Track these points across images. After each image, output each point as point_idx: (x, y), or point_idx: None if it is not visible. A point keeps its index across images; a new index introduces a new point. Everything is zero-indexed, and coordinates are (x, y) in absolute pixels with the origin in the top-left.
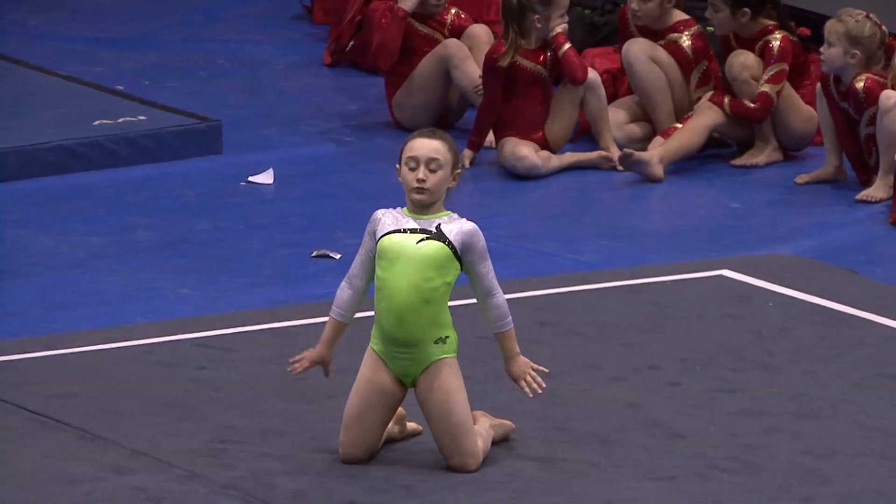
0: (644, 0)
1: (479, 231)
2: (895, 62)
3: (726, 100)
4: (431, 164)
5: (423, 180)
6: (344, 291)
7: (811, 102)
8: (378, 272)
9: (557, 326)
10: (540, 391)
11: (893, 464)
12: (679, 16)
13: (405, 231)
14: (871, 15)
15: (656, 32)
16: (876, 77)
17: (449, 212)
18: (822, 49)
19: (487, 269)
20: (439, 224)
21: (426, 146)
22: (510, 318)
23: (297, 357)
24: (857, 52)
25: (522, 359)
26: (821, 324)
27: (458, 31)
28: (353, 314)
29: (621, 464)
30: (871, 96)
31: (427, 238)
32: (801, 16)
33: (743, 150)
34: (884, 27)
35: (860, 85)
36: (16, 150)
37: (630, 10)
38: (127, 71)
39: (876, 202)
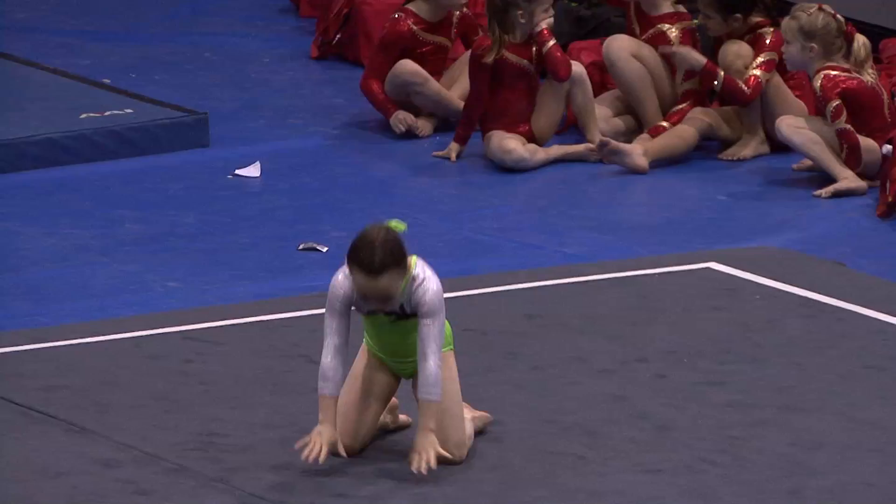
0: None
1: (432, 290)
2: (856, 47)
3: (721, 73)
4: (384, 299)
5: (381, 307)
6: (327, 365)
7: (800, 96)
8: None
9: (544, 319)
10: (425, 472)
11: (881, 456)
12: (671, 7)
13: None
14: (824, 6)
15: (649, 18)
16: (833, 72)
17: (410, 272)
18: (782, 48)
19: (431, 328)
20: (402, 305)
21: (374, 289)
22: (439, 389)
23: (308, 444)
24: (815, 45)
25: (433, 436)
26: (808, 316)
27: (464, 31)
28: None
29: (609, 456)
30: (826, 93)
31: (398, 318)
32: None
33: (730, 144)
34: (838, 16)
35: (817, 84)
36: (2, 143)
37: None
38: (113, 64)
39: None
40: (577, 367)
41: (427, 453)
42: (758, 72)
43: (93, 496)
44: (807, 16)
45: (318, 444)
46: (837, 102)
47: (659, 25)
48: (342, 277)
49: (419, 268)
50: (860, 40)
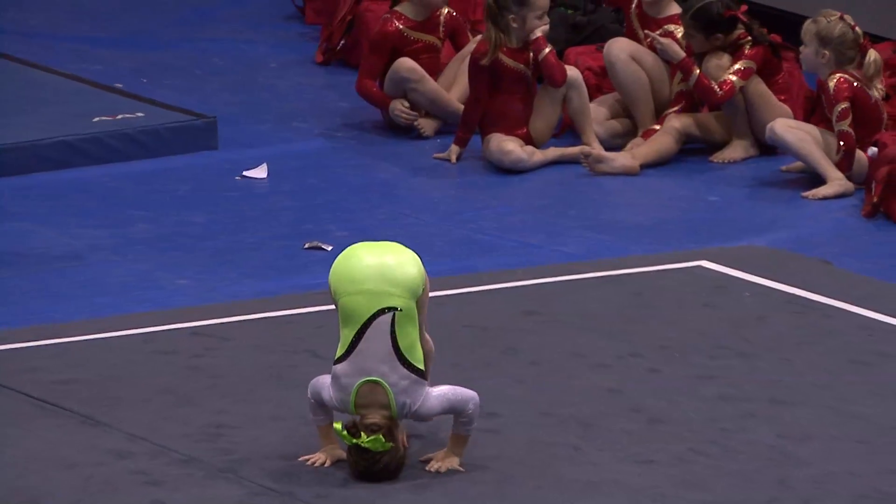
0: None
1: (428, 399)
2: (867, 62)
3: (697, 70)
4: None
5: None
6: (315, 403)
7: (785, 100)
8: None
9: (542, 316)
10: (432, 471)
11: (866, 447)
12: (677, 8)
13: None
14: (845, 16)
15: (656, 20)
16: (848, 77)
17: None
18: (800, 49)
19: (452, 404)
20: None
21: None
22: (475, 425)
23: (313, 457)
24: (827, 52)
25: (456, 459)
26: (796, 313)
27: (451, 31)
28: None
29: (604, 448)
30: (838, 94)
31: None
32: (780, 16)
33: (720, 147)
34: (857, 28)
35: (832, 83)
36: (18, 145)
37: None
38: (125, 69)
39: (821, 199)
40: (573, 361)
41: (446, 465)
42: (733, 77)
43: (105, 486)
44: (826, 22)
45: (321, 457)
46: (846, 105)
47: (665, 27)
48: (327, 396)
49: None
50: (872, 56)
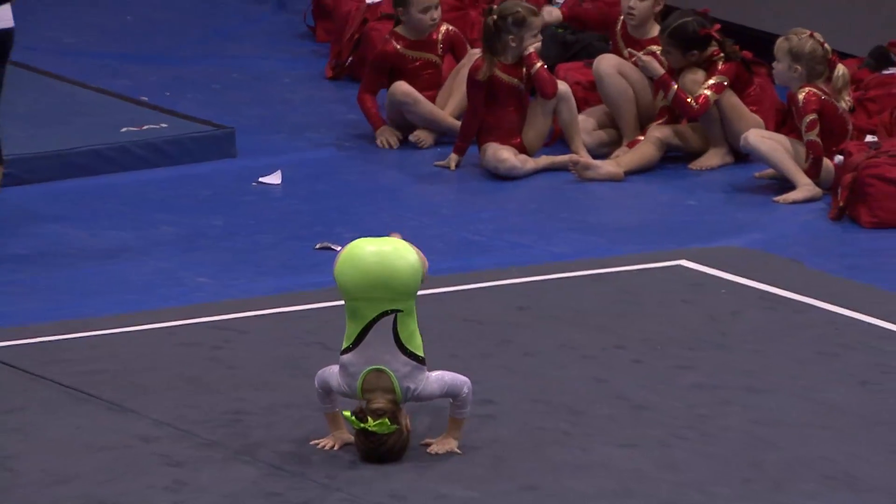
0: None
1: (428, 383)
2: (836, 76)
3: (675, 86)
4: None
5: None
6: (322, 393)
7: (757, 111)
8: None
9: (535, 311)
10: (432, 453)
11: (833, 432)
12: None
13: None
14: (815, 34)
15: (640, 41)
16: (817, 90)
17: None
18: (773, 64)
19: (449, 387)
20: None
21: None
22: (469, 408)
23: (323, 441)
24: (799, 67)
25: (455, 442)
26: (768, 308)
27: (450, 46)
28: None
29: (591, 432)
30: (807, 107)
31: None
32: (751, 34)
33: (698, 155)
34: (826, 45)
35: (801, 95)
36: (52, 154)
37: (624, 9)
38: (150, 83)
39: (791, 203)
40: (563, 353)
41: (444, 447)
42: (708, 92)
43: (132, 467)
44: (797, 39)
45: (330, 441)
46: (813, 117)
47: (649, 47)
48: (335, 383)
49: (412, 379)
50: (840, 70)
